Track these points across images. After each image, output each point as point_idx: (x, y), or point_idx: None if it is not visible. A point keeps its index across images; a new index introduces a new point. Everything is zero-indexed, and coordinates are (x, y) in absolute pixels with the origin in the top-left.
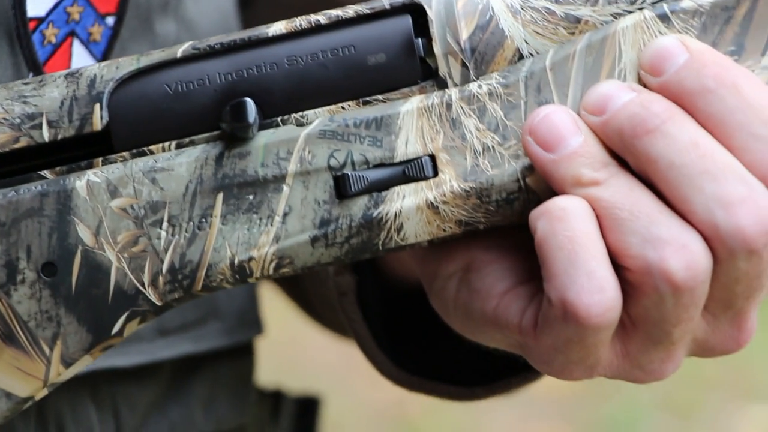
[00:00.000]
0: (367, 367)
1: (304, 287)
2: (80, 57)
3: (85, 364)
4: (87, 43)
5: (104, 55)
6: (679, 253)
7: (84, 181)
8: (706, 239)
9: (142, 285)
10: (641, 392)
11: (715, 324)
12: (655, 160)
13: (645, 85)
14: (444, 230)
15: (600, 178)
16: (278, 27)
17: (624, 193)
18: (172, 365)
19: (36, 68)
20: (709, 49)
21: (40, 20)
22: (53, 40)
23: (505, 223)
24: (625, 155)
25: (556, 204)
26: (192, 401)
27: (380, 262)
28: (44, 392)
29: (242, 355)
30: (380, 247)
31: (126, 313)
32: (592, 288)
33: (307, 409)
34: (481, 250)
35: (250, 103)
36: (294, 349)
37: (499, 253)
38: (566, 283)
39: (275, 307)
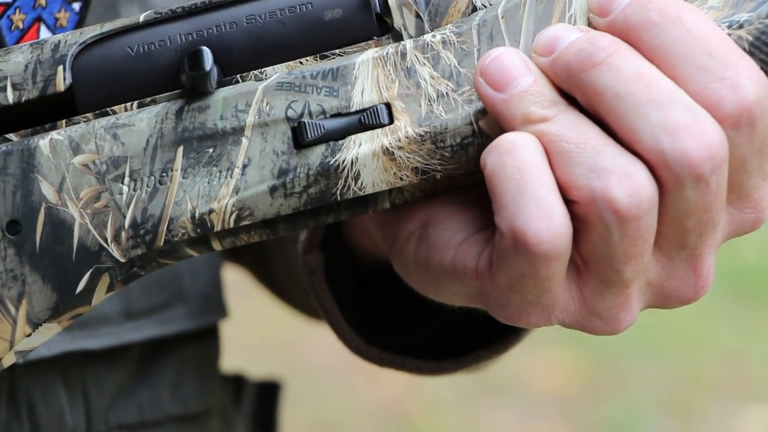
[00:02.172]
0: (367, 367)
1: (272, 268)
2: None
3: (53, 332)
4: (54, 29)
5: None
6: (622, 181)
7: (47, 140)
8: (653, 168)
9: (105, 241)
10: (641, 392)
11: (669, 267)
12: (601, 92)
13: (594, 28)
14: (400, 178)
15: (548, 114)
16: None
17: (571, 128)
18: (139, 348)
19: None
20: None
21: (8, 5)
22: (20, 25)
23: (461, 171)
24: (573, 91)
25: (504, 138)
26: (160, 383)
27: (348, 238)
28: (11, 357)
29: (208, 338)
30: (339, 197)
31: (90, 270)
32: (541, 215)
33: (269, 393)
34: (439, 207)
35: (206, 51)
36: (294, 349)
37: (456, 208)
38: (515, 212)
39: (276, 308)
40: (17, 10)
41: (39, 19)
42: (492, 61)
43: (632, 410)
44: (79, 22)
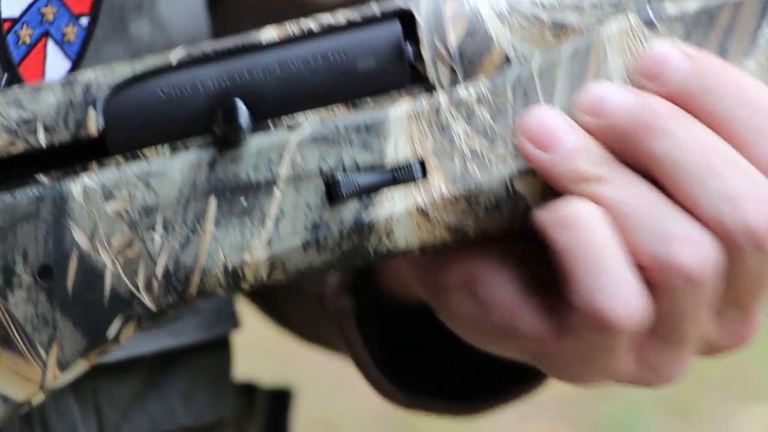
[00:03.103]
0: None
1: (278, 298)
2: (54, 57)
3: (81, 369)
4: (61, 44)
5: (78, 56)
6: (689, 247)
7: (79, 186)
8: (713, 233)
9: (137, 289)
10: (641, 392)
11: (722, 322)
12: (658, 158)
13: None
14: (434, 235)
15: (601, 173)
16: (270, 34)
17: (627, 190)
18: (151, 360)
19: (11, 68)
20: (704, 53)
21: (15, 21)
22: (27, 40)
23: (494, 229)
24: (625, 154)
25: (570, 211)
26: (172, 395)
27: (377, 280)
28: (41, 396)
29: (219, 348)
30: (371, 253)
31: (121, 317)
32: (620, 293)
33: (280, 400)
34: (481, 259)
35: (241, 106)
36: (294, 350)
37: (500, 260)
38: (592, 290)
39: None
40: (24, 26)
41: (46, 34)
42: (535, 120)
43: (632, 410)
44: (87, 37)
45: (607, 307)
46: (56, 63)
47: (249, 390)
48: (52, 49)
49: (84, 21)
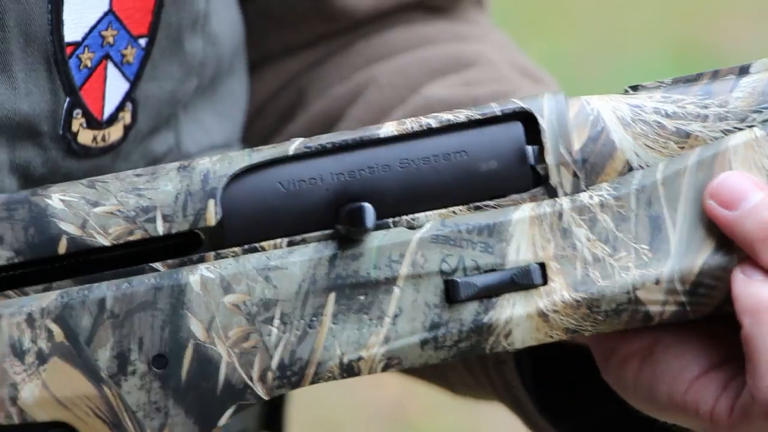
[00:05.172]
0: None
1: None
2: (114, 79)
3: None
4: (120, 65)
5: (136, 77)
6: None
7: (198, 276)
8: None
9: (251, 380)
10: None
11: None
12: None
13: None
14: (551, 336)
15: None
16: (389, 128)
17: None
18: None
19: (73, 92)
20: None
21: (77, 45)
22: (89, 64)
23: (610, 331)
24: None
25: (765, 303)
26: None
27: None
28: None
29: None
30: (487, 350)
31: (233, 407)
32: None
33: (274, 401)
34: (666, 332)
35: (369, 209)
36: None
37: (685, 336)
38: None
39: None
40: (86, 49)
41: (107, 57)
42: (720, 182)
43: None
44: (145, 57)
45: None
46: (115, 85)
47: None
48: (111, 72)
49: (143, 42)
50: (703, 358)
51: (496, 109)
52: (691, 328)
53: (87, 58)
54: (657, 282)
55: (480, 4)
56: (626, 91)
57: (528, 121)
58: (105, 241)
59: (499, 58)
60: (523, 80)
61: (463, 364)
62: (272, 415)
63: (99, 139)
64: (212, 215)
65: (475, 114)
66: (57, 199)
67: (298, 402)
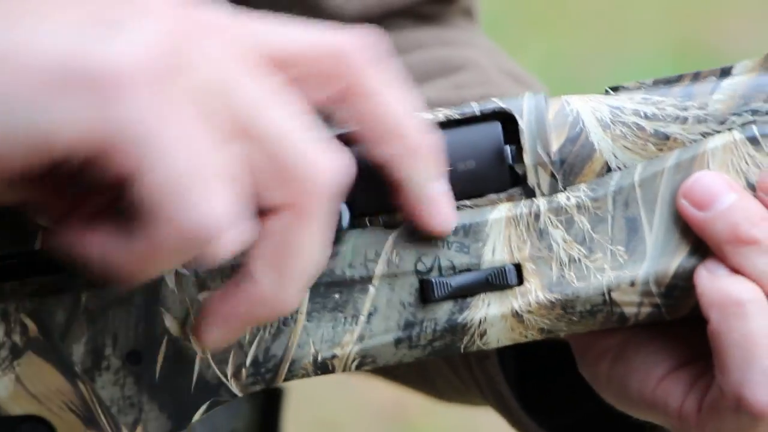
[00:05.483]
0: None
1: None
2: None
3: None
4: None
5: None
6: None
7: (172, 273)
8: None
9: (225, 377)
10: None
11: None
12: None
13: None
14: (525, 336)
15: (760, 237)
16: None
17: None
18: None
19: None
20: None
21: None
22: None
23: (585, 331)
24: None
25: (731, 297)
26: None
27: None
28: None
29: None
30: (461, 350)
31: (207, 403)
32: None
33: (272, 399)
34: (639, 330)
35: (344, 210)
36: None
37: (656, 334)
38: (742, 379)
39: None
40: None
41: None
42: (694, 182)
43: None
44: None
45: (752, 396)
46: None
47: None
48: None
49: None
50: (672, 356)
51: (475, 108)
52: (662, 327)
53: None
54: (632, 284)
55: (469, 14)
56: (607, 92)
57: (507, 121)
58: None
59: (488, 62)
60: (511, 84)
61: (449, 367)
62: (267, 422)
63: None
64: None
65: (454, 113)
66: None
67: (298, 402)
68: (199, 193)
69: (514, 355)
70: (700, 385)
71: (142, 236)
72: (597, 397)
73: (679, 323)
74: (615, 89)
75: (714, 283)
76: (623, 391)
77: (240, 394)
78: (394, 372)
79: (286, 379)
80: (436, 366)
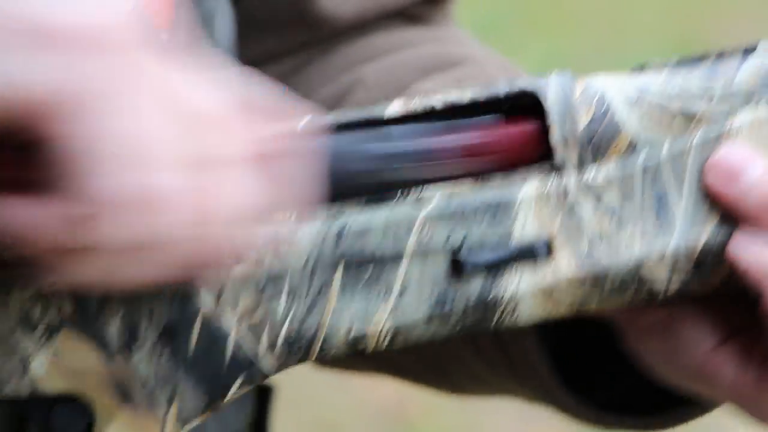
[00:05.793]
0: None
1: None
2: None
3: (194, 424)
4: None
5: None
6: None
7: None
8: None
9: (259, 353)
10: None
11: None
12: None
13: None
14: (556, 311)
15: None
16: (394, 108)
17: None
18: None
19: None
20: None
21: None
22: None
23: (614, 306)
24: None
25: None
26: None
27: None
28: None
29: None
30: (492, 326)
31: (241, 379)
32: None
33: (262, 397)
34: (683, 303)
35: None
36: None
37: (701, 306)
38: None
39: None
40: None
41: None
42: (721, 157)
43: None
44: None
45: None
46: None
47: None
48: None
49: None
50: (721, 326)
51: (501, 89)
52: (705, 299)
53: None
54: (662, 257)
55: (451, 17)
56: (632, 71)
57: (535, 100)
58: None
59: (483, 56)
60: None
61: (473, 348)
62: (257, 419)
63: None
64: None
65: (480, 95)
66: None
67: (298, 402)
68: (153, 162)
69: (548, 334)
70: (755, 354)
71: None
72: (635, 371)
73: (720, 295)
74: (640, 68)
75: (760, 256)
76: (672, 366)
77: (273, 372)
78: (401, 365)
79: (318, 357)
80: (454, 350)
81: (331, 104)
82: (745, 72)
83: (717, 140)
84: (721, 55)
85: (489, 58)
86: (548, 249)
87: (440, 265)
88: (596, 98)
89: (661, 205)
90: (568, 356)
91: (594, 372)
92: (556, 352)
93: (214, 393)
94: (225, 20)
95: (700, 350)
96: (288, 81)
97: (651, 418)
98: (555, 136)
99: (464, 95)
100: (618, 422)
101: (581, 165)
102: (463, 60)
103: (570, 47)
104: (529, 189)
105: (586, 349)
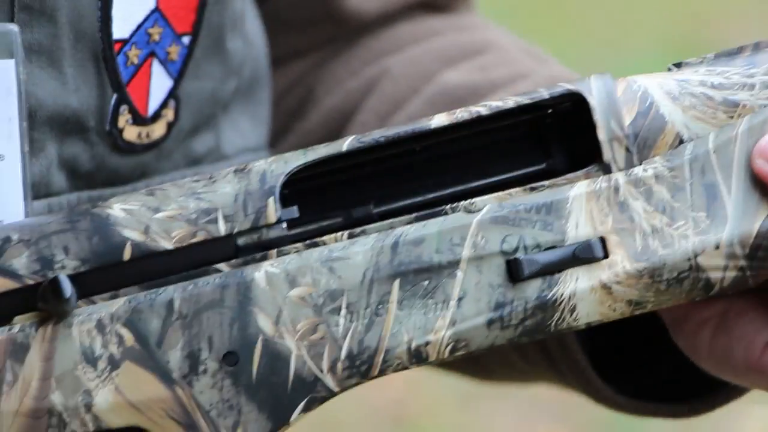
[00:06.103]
0: None
1: None
2: (158, 76)
3: None
4: (165, 63)
5: (180, 74)
6: None
7: (263, 272)
8: None
9: (321, 372)
10: None
11: None
12: None
13: None
14: (614, 310)
15: None
16: (440, 119)
17: None
18: None
19: (120, 88)
20: None
21: (124, 42)
22: (135, 60)
23: (671, 303)
24: None
25: None
26: None
27: None
28: None
29: None
30: (552, 328)
31: (305, 400)
32: None
33: None
34: (739, 297)
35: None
36: None
37: (757, 300)
38: None
39: None
40: (133, 46)
41: (152, 54)
42: (765, 143)
43: None
44: (188, 55)
45: None
46: (160, 82)
47: None
48: (156, 69)
49: (186, 40)
50: None
51: (544, 93)
52: (759, 294)
53: (134, 55)
54: (717, 247)
55: (473, 7)
56: (669, 69)
57: (578, 102)
58: (168, 245)
59: (506, 42)
60: (532, 62)
61: (518, 354)
62: None
63: (143, 135)
64: (273, 212)
65: (524, 99)
66: (118, 208)
67: None
68: None
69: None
70: None
71: None
72: (673, 359)
73: None
74: (677, 65)
75: None
76: (727, 360)
77: (337, 390)
78: None
79: (380, 371)
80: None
81: (358, 97)
82: None
83: (762, 126)
84: (757, 46)
85: (512, 44)
86: (603, 246)
87: (497, 270)
88: (639, 94)
89: (711, 195)
90: (605, 346)
91: (631, 360)
92: (594, 342)
93: (278, 417)
94: (255, 20)
95: (755, 345)
96: (312, 75)
97: (683, 405)
98: (601, 134)
99: (508, 101)
100: (655, 410)
101: (629, 161)
102: (487, 47)
103: (570, 47)
104: (579, 189)
105: (622, 338)
